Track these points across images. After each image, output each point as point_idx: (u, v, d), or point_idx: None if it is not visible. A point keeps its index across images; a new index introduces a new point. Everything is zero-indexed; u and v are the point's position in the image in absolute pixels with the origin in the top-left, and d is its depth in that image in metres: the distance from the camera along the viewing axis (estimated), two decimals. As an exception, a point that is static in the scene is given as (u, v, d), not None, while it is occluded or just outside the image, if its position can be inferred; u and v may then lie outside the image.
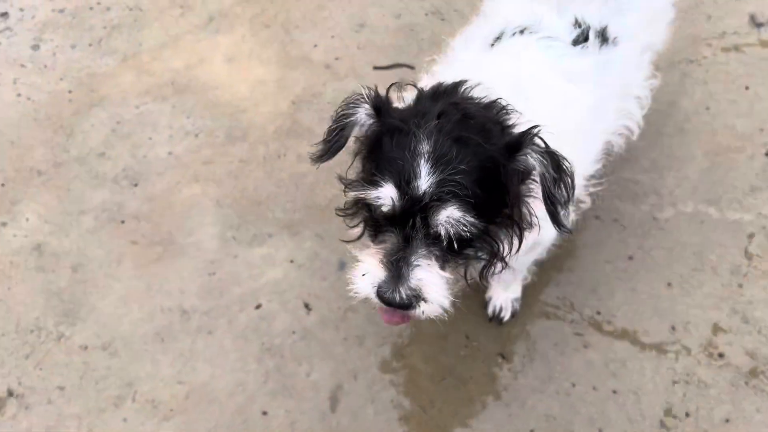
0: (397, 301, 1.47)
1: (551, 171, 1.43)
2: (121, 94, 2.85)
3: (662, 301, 2.31)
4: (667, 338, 2.25)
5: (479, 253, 1.56)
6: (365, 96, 1.51)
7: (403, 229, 1.45)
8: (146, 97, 2.84)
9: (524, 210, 1.53)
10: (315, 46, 2.92)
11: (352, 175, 1.59)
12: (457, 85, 1.59)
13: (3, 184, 2.67)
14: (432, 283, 1.47)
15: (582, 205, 2.15)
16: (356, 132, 1.55)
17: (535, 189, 1.50)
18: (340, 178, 1.59)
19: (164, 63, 2.92)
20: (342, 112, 1.53)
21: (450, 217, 1.40)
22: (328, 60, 2.89)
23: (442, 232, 1.43)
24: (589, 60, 1.83)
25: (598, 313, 2.32)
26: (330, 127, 1.56)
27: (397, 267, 1.45)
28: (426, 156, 1.39)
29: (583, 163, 1.87)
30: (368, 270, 1.49)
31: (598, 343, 2.27)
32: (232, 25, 3.01)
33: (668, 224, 2.43)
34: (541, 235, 1.74)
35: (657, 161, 2.55)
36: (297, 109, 2.77)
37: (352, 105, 1.52)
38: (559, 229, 1.51)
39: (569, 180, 1.47)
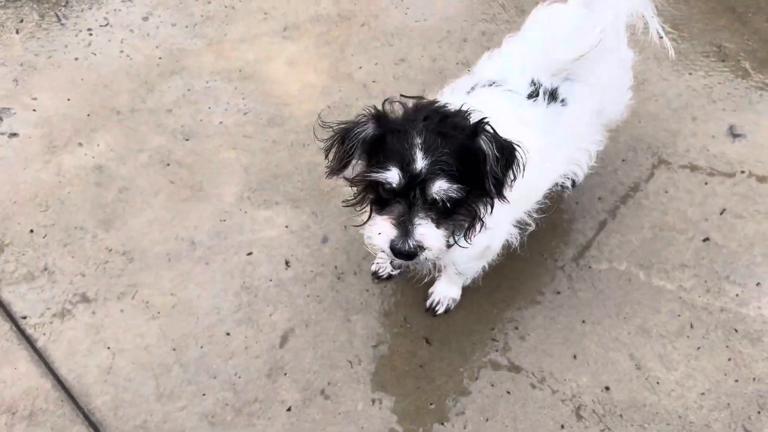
0: (405, 250, 1.96)
1: (495, 151, 1.93)
2: (198, 69, 3.52)
3: (573, 334, 2.69)
4: (565, 365, 2.63)
5: (463, 218, 2.06)
6: (369, 114, 2.02)
7: (406, 200, 1.95)
8: (217, 76, 3.49)
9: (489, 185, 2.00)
10: (360, 67, 3.51)
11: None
12: (433, 102, 2.13)
13: (89, 114, 3.36)
14: (431, 236, 1.98)
15: (529, 228, 2.57)
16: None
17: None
18: (349, 182, 2.07)
19: (239, 53, 3.58)
20: (355, 131, 2.00)
21: (440, 187, 1.92)
22: (367, 81, 3.46)
23: (437, 198, 1.94)
24: (539, 111, 2.31)
25: (516, 328, 2.72)
26: (345, 145, 2.01)
27: (404, 226, 1.96)
28: (419, 146, 1.92)
29: (529, 189, 2.34)
30: (383, 230, 2.00)
31: (509, 349, 2.66)
32: (300, 36, 3.65)
33: (600, 274, 2.82)
34: (492, 237, 2.24)
35: (608, 223, 2.95)
36: (329, 113, 3.34)
37: (362, 123, 2.02)
38: (501, 199, 2.00)
39: (515, 162, 1.97)
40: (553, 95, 2.34)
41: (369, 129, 2.01)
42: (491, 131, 1.96)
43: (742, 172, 3.06)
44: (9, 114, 3.37)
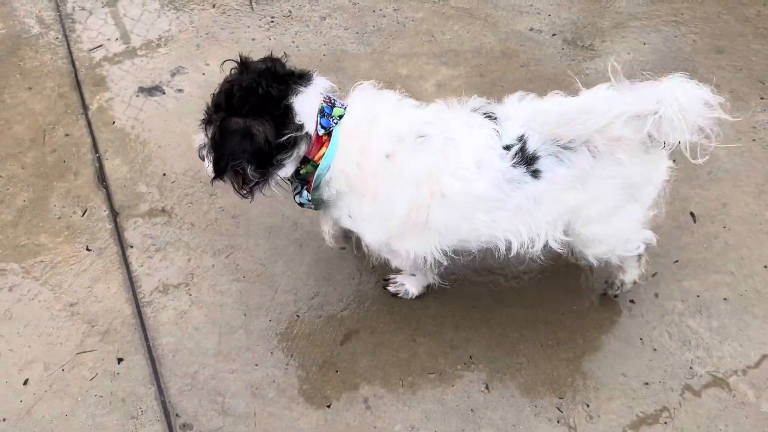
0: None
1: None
2: (354, 72, 3.66)
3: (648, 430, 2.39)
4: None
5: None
6: None
7: None
8: (367, 81, 3.60)
9: None
10: (506, 104, 3.45)
11: None
12: None
13: (246, 89, 3.61)
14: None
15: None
16: None
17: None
18: None
19: (394, 66, 3.68)
20: None
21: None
22: (509, 119, 3.39)
23: None
24: (500, 164, 2.14)
25: (587, 405, 2.47)
26: None
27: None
28: None
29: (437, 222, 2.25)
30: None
31: (573, 427, 2.43)
32: (457, 63, 3.68)
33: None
34: (363, 231, 2.37)
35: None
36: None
37: None
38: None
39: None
40: (527, 159, 2.13)
41: None
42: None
43: None
44: (182, 72, 3.71)
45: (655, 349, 2.59)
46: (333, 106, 2.22)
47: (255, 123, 2.06)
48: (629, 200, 2.24)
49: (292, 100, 2.14)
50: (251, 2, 4.11)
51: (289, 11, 4.04)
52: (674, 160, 2.32)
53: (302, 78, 2.21)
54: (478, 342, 2.64)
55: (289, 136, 2.10)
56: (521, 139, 2.14)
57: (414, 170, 2.16)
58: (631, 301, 2.73)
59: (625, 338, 2.63)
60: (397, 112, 2.27)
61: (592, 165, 2.12)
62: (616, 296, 2.70)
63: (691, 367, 2.55)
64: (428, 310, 2.74)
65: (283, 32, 3.91)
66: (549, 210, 2.20)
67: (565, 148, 2.11)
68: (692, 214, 3.00)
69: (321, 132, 2.17)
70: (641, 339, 2.62)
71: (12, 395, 2.53)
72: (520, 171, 2.13)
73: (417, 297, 2.75)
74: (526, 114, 2.19)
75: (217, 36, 3.91)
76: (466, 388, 2.53)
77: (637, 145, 2.10)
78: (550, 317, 2.68)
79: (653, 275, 2.79)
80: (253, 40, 3.88)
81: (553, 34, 3.83)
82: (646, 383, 2.51)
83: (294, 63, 3.70)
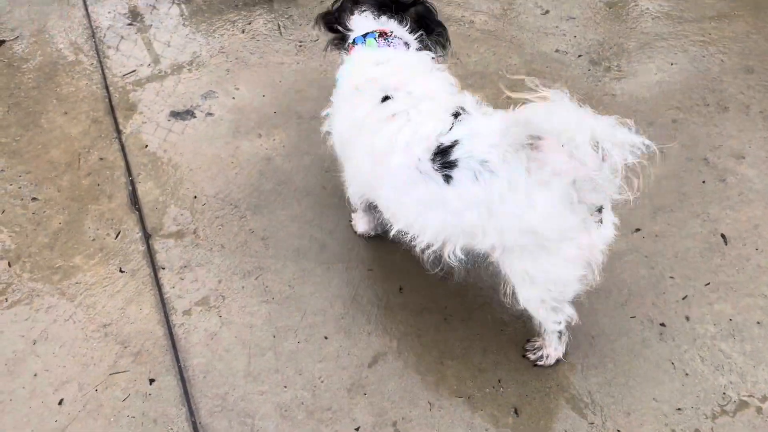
0: None
1: None
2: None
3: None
4: None
5: None
6: None
7: None
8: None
9: None
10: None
11: None
12: None
13: (275, 112, 3.68)
14: None
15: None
16: None
17: None
18: None
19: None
20: None
21: None
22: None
23: None
24: (423, 153, 2.17)
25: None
26: None
27: None
28: None
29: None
30: None
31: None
32: (482, 86, 3.70)
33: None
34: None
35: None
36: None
37: None
38: None
39: None
40: (447, 164, 2.11)
41: None
42: None
43: None
44: (212, 96, 3.80)
45: (687, 374, 2.56)
46: (383, 38, 2.53)
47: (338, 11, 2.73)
48: (538, 247, 2.12)
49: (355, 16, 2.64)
50: (279, 27, 4.19)
51: (317, 36, 4.11)
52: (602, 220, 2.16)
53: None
54: (506, 365, 2.63)
55: (344, 29, 2.67)
56: (455, 143, 2.12)
57: (363, 114, 2.38)
58: (662, 324, 2.70)
59: (656, 362, 2.60)
60: (399, 69, 2.42)
61: (504, 196, 2.04)
62: (535, 364, 2.61)
63: (724, 393, 2.50)
64: (456, 333, 2.74)
65: (311, 56, 3.98)
66: (448, 219, 2.19)
67: (491, 171, 2.05)
68: (723, 236, 2.96)
69: (352, 43, 2.60)
70: (673, 363, 2.59)
71: (48, 415, 2.58)
72: (435, 167, 2.14)
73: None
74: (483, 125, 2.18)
75: (247, 60, 3.99)
76: (495, 412, 2.52)
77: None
78: (581, 341, 2.66)
79: (684, 298, 2.77)
80: (281, 64, 3.95)
81: (579, 55, 3.84)
82: (679, 408, 2.48)
83: (323, 86, 3.78)
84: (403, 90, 2.32)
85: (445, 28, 2.70)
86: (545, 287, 2.25)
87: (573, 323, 2.46)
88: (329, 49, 2.78)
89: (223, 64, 3.98)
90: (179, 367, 2.70)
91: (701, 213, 3.06)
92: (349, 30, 2.62)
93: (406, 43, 2.54)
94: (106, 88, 3.86)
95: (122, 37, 4.20)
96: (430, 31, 2.65)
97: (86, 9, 4.41)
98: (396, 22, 2.58)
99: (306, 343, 2.75)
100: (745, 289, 2.79)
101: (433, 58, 2.56)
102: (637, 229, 3.01)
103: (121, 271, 3.02)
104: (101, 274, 3.02)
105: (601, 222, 2.13)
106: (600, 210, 2.09)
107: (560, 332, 2.51)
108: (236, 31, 4.19)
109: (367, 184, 2.54)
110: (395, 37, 2.53)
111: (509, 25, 4.06)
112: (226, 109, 3.72)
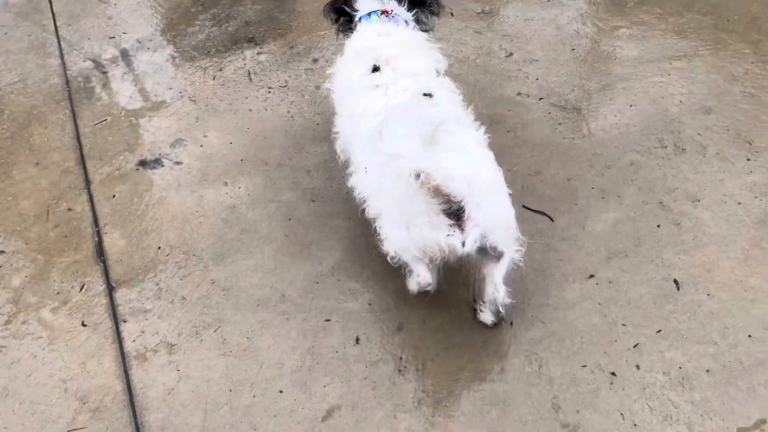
0: None
1: None
2: (345, 140, 3.76)
3: None
4: None
5: None
6: None
7: None
8: (358, 150, 3.71)
9: None
10: (492, 171, 3.52)
11: None
12: None
13: (242, 160, 3.74)
14: None
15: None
16: None
17: None
18: None
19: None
20: None
21: None
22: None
23: None
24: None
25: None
26: None
27: None
28: None
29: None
30: None
31: None
32: (446, 130, 3.76)
33: None
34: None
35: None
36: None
37: None
38: None
39: None
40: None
41: None
42: None
43: None
44: (181, 144, 3.87)
45: (635, 425, 2.58)
46: (386, 14, 3.06)
47: None
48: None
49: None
50: (249, 74, 4.28)
51: (286, 81, 4.19)
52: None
53: None
54: (459, 419, 2.66)
55: (351, 10, 3.19)
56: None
57: (356, 78, 2.89)
58: (612, 374, 2.73)
59: (606, 413, 2.62)
60: (395, 42, 2.92)
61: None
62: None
63: (672, 444, 2.53)
64: (409, 384, 2.77)
65: (278, 102, 4.06)
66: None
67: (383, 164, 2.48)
68: (676, 281, 3.00)
69: (358, 20, 3.15)
70: (622, 414, 2.61)
71: (4, 474, 2.61)
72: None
73: (400, 371, 2.78)
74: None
75: (216, 107, 4.07)
76: (445, 465, 2.55)
77: None
78: (533, 392, 2.69)
79: (635, 346, 2.79)
80: (250, 110, 4.03)
81: (540, 98, 3.91)
82: (627, 460, 2.50)
83: (290, 132, 3.85)
84: (392, 65, 2.80)
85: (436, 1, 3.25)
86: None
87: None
88: (339, 35, 3.29)
89: (193, 111, 4.05)
90: (136, 424, 2.73)
91: (655, 258, 3.10)
92: (355, 10, 3.14)
93: (405, 21, 3.07)
94: (78, 138, 3.94)
95: (96, 86, 4.28)
96: (423, 2, 3.18)
97: (62, 58, 4.51)
98: (395, 1, 3.12)
99: (261, 398, 2.78)
100: (695, 336, 2.81)
101: (428, 39, 3.08)
102: (591, 275, 3.05)
103: (83, 324, 3.07)
104: (65, 328, 3.06)
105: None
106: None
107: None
108: (207, 78, 4.28)
109: (347, 141, 2.97)
110: (395, 14, 3.05)
111: (473, 68, 4.13)
112: (194, 157, 3.79)
